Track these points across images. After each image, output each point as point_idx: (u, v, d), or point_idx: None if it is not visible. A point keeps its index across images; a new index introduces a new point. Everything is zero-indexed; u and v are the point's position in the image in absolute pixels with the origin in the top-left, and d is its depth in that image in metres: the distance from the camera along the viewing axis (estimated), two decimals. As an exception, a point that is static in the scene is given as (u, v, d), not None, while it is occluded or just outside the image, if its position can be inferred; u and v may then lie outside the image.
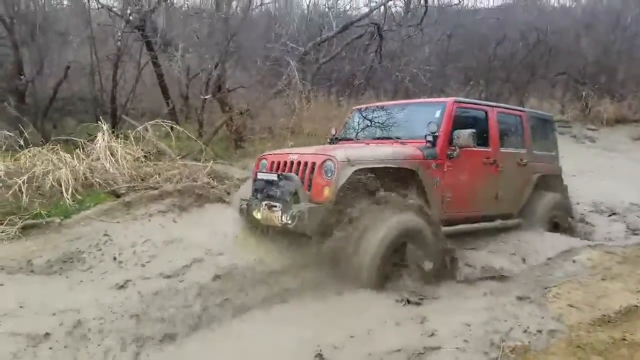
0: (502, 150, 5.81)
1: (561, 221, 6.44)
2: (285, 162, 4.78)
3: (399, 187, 4.72)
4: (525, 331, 3.30)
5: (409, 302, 4.08)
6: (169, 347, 3.30)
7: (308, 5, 16.09)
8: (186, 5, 11.50)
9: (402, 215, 4.39)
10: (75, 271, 4.17)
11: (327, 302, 4.04)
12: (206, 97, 9.58)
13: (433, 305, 4.00)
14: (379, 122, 5.93)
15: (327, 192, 4.28)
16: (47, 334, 3.25)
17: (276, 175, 4.60)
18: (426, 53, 14.98)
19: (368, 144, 5.54)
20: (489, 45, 15.20)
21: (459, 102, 5.42)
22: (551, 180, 6.62)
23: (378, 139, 5.59)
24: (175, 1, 11.71)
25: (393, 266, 4.35)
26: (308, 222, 4.20)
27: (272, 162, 5.02)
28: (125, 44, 9.51)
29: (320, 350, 3.17)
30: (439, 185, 5.01)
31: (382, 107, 6.17)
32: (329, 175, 4.32)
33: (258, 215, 4.70)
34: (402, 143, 5.15)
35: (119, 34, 9.21)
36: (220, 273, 4.30)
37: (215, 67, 9.55)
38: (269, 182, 4.68)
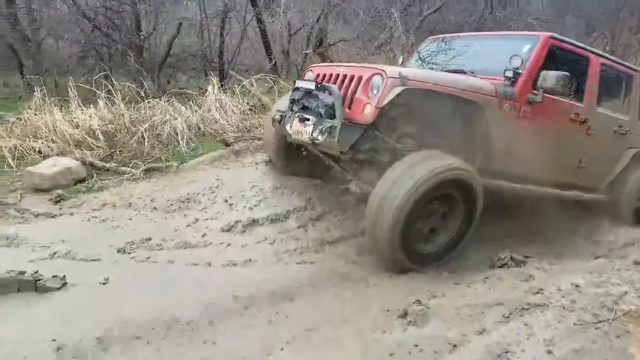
0: (599, 110, 4.83)
1: None
2: (332, 75, 4.13)
3: (460, 126, 4.05)
4: (641, 296, 3.07)
5: (512, 259, 3.95)
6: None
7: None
8: (289, -41, 11.46)
9: (450, 160, 3.65)
10: (192, 210, 4.49)
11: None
12: (307, 51, 9.65)
13: (539, 265, 3.83)
14: (454, 54, 5.00)
15: (367, 110, 3.62)
16: (169, 261, 3.63)
17: (314, 84, 3.99)
18: (543, 1, 13.65)
19: None
20: (618, -10, 13.57)
21: (556, 39, 4.40)
22: None
23: (450, 72, 4.56)
24: (279, -44, 11.71)
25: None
26: (339, 141, 3.63)
27: (318, 75, 4.33)
28: (232, 1, 9.77)
29: (419, 298, 3.17)
30: (510, 130, 4.17)
31: (461, 38, 5.26)
32: (375, 92, 3.62)
33: (290, 128, 4.19)
34: (476, 77, 4.29)
35: (226, -10, 9.46)
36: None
37: (317, 21, 9.56)
38: (307, 93, 4.10)
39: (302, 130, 3.99)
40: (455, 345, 2.62)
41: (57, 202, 4.52)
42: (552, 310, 2.88)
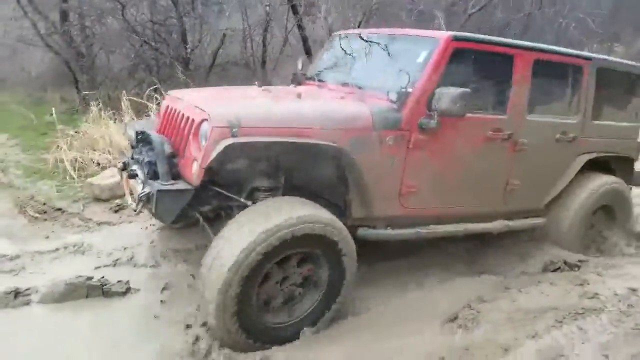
0: (531, 118, 3.76)
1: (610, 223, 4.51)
2: (175, 112, 3.23)
3: (327, 170, 3.15)
4: (701, 297, 2.99)
5: (565, 263, 3.89)
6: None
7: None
8: (330, -35, 11.55)
9: (306, 210, 2.81)
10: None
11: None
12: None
13: (594, 270, 3.75)
14: (351, 60, 3.88)
15: (194, 168, 2.76)
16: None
17: (135, 133, 3.22)
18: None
19: (325, 89, 3.81)
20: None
21: (461, 39, 3.32)
22: (613, 165, 4.51)
23: (343, 84, 3.71)
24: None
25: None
26: (157, 213, 2.87)
27: (167, 107, 3.40)
28: (273, 9, 9.96)
29: (470, 303, 3.18)
30: (397, 168, 3.23)
31: (363, 37, 3.90)
32: (203, 143, 2.74)
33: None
34: (362, 95, 3.36)
35: (267, -1, 9.66)
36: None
37: (359, 25, 9.59)
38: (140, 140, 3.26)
39: (133, 189, 3.15)
40: (506, 349, 2.63)
41: (116, 212, 4.77)
42: (607, 314, 2.84)
